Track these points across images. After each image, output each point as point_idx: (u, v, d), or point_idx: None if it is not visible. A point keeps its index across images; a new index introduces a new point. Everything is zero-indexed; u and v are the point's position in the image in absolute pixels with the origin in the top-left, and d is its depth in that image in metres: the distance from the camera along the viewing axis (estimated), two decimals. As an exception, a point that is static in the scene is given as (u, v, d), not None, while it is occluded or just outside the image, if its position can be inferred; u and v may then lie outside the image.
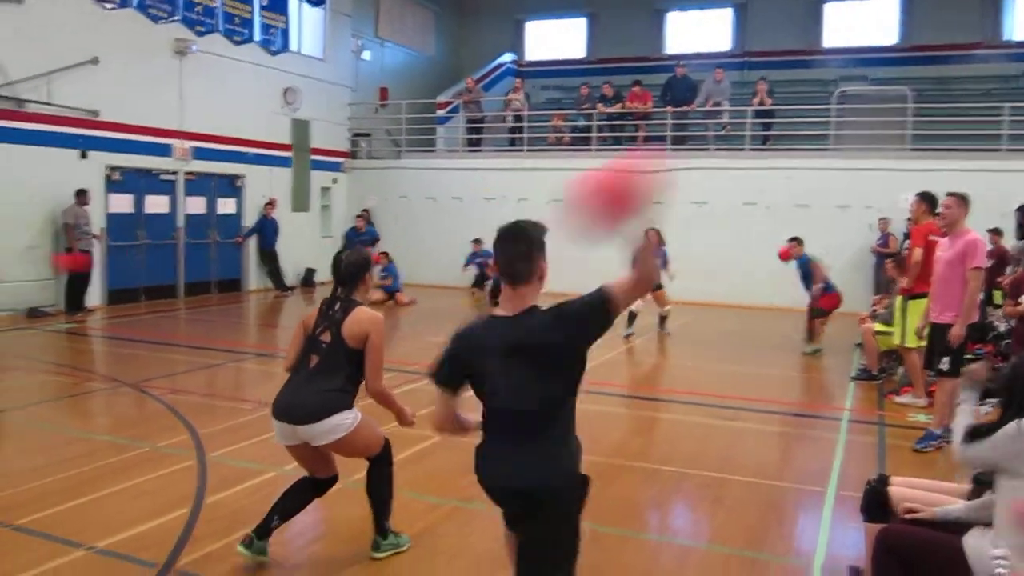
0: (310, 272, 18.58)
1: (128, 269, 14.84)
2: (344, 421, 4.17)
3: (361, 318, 4.22)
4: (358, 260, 4.39)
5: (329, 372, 4.19)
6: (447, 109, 20.62)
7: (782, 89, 18.86)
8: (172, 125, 15.37)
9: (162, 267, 15.57)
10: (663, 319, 12.38)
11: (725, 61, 19.93)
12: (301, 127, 18.57)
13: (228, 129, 16.59)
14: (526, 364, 2.90)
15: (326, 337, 4.22)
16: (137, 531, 4.68)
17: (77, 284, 13.30)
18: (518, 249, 2.99)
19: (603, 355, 10.68)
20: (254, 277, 17.56)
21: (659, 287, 12.50)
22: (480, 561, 4.46)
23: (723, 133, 17.77)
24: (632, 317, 12.15)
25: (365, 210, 19.28)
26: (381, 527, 4.46)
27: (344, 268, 4.33)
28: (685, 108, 17.73)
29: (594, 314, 2.90)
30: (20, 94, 12.68)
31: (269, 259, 17.25)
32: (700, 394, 8.74)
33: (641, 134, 18.23)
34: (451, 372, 3.10)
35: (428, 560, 4.46)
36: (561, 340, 2.90)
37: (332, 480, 4.46)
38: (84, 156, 13.82)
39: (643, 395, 8.95)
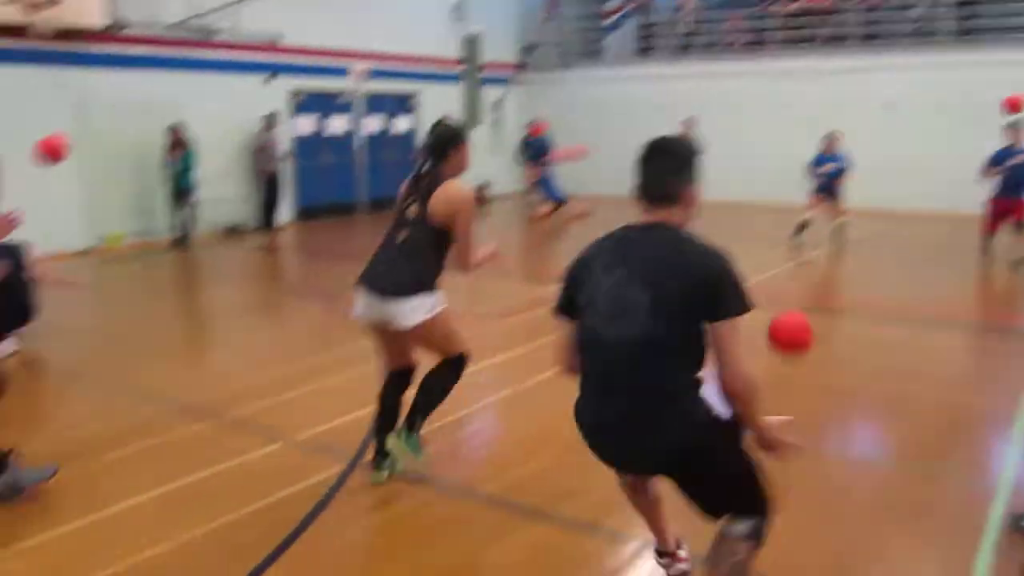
0: (483, 186, 18.92)
1: (313, 188, 15.67)
2: (423, 305, 3.98)
3: (448, 195, 3.98)
4: (447, 132, 4.10)
5: (414, 249, 4.03)
6: (616, 16, 20.10)
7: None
8: (349, 48, 15.86)
9: (344, 185, 16.33)
10: (839, 228, 11.76)
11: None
12: (471, 42, 18.69)
13: (402, 48, 16.95)
14: (638, 275, 2.54)
15: (413, 211, 4.06)
16: (329, 426, 5.09)
17: (269, 203, 14.16)
18: (666, 165, 2.68)
19: (777, 266, 10.39)
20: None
21: (834, 195, 11.87)
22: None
23: (919, 27, 16.39)
24: (802, 226, 11.66)
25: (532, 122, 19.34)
26: (412, 421, 4.21)
27: (434, 139, 4.10)
28: (875, 1, 16.45)
29: (725, 304, 2.51)
30: (210, 24, 13.45)
31: (444, 175, 17.69)
32: (881, 306, 8.36)
33: (825, 32, 17.14)
34: (566, 294, 2.76)
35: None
36: (690, 280, 2.51)
37: (412, 370, 4.31)
38: (272, 77, 14.56)
39: (820, 307, 8.64)
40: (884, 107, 15.46)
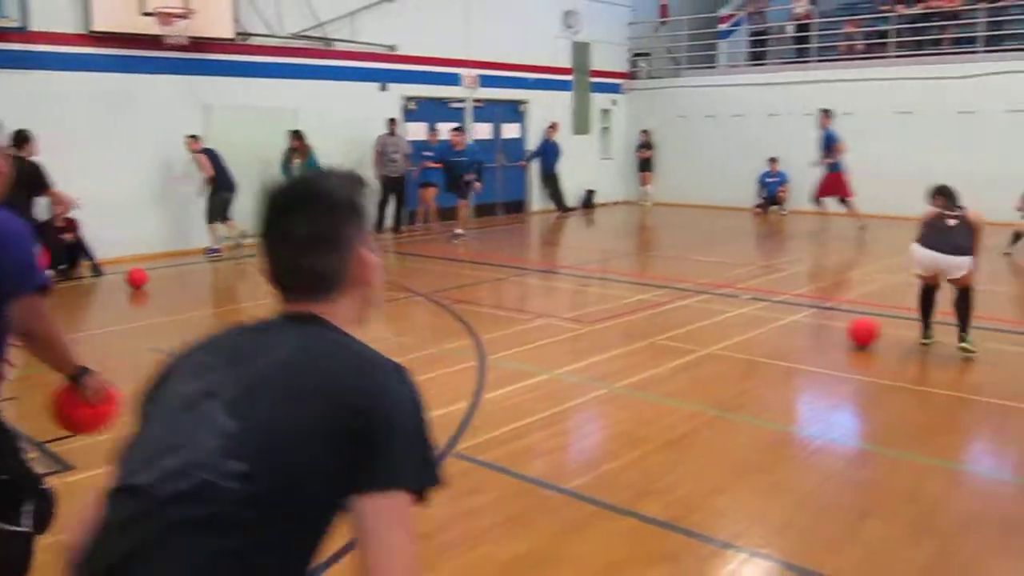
0: (590, 193, 18.98)
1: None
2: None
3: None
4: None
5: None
6: (729, 23, 19.85)
7: None
8: (460, 55, 16.22)
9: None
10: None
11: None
12: (581, 50, 18.79)
13: (512, 56, 17.18)
14: (233, 390, 1.37)
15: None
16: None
17: (388, 205, 14.55)
18: (300, 228, 1.48)
19: (888, 278, 10.06)
20: (537, 198, 18.27)
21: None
22: (736, 465, 4.53)
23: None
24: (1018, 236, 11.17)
25: (644, 131, 19.34)
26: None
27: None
28: (1001, 3, 15.72)
29: (390, 464, 1.34)
30: (328, 34, 14.00)
31: (551, 181, 17.82)
32: (991, 319, 8.01)
33: (947, 36, 16.48)
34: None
35: (686, 462, 4.60)
36: (327, 411, 1.34)
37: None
38: (384, 89, 15.04)
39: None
40: (1013, 112, 14.69)
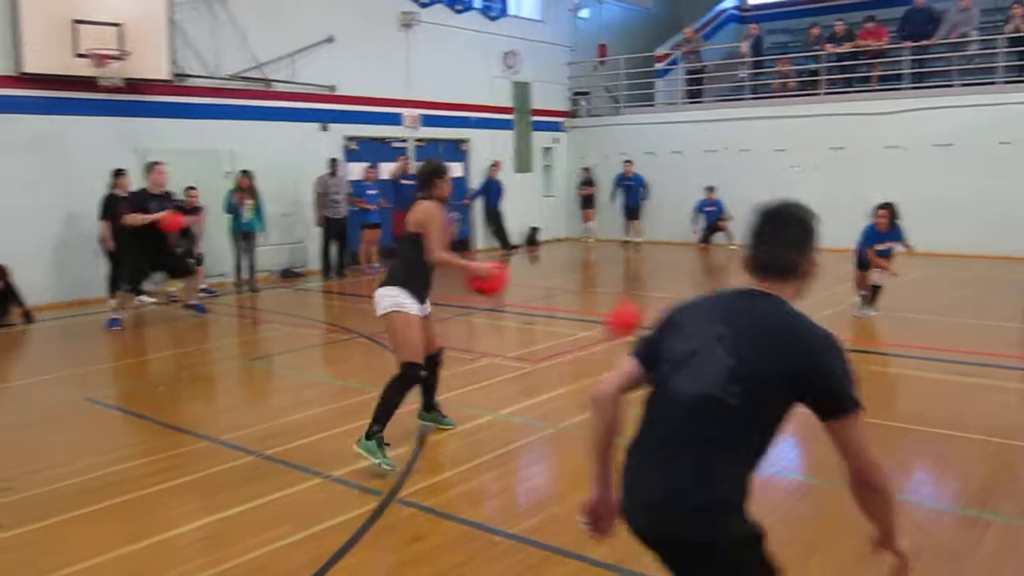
0: (534, 231, 19.08)
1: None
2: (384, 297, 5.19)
3: (418, 207, 5.23)
4: (428, 167, 5.43)
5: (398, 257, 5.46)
6: (666, 62, 20.26)
7: (1042, 13, 16.85)
8: (401, 95, 16.26)
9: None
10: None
11: (973, -13, 18.06)
12: (522, 89, 19.00)
13: (453, 95, 17.30)
14: (732, 339, 2.24)
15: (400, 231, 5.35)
16: (367, 464, 5.16)
17: (332, 246, 14.39)
18: (785, 236, 2.36)
19: (828, 307, 10.26)
20: (481, 236, 18.30)
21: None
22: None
23: (971, 67, 16.22)
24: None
25: (586, 169, 19.53)
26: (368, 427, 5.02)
27: (419, 173, 5.47)
28: (925, 42, 16.34)
29: (842, 401, 2.18)
30: (268, 75, 13.93)
31: (494, 219, 17.88)
32: (929, 348, 8.20)
33: (875, 74, 17.05)
34: (649, 338, 2.47)
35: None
36: (786, 368, 2.18)
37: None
38: (325, 129, 14.98)
39: (866, 348, 8.49)
40: (937, 146, 15.21)
